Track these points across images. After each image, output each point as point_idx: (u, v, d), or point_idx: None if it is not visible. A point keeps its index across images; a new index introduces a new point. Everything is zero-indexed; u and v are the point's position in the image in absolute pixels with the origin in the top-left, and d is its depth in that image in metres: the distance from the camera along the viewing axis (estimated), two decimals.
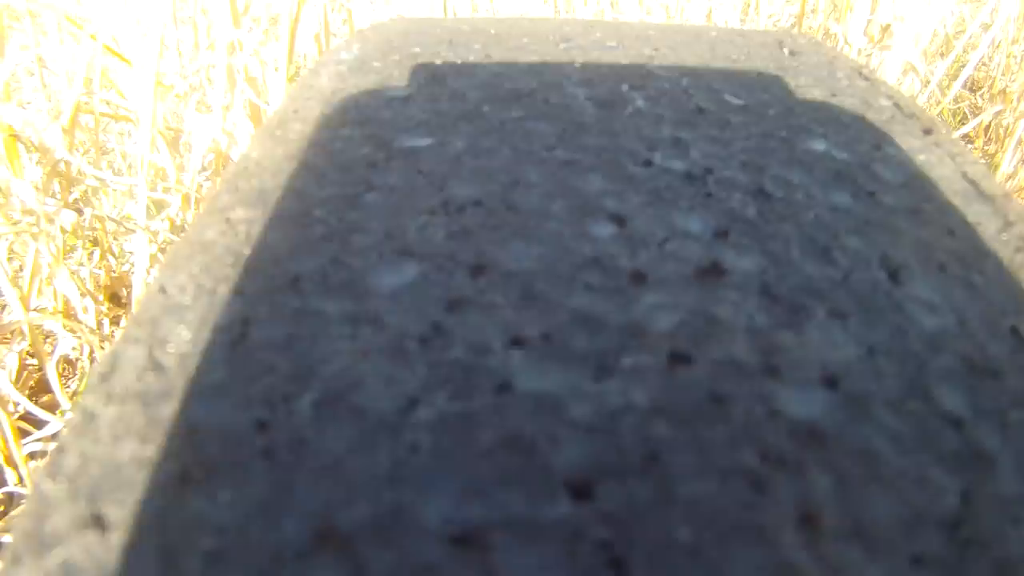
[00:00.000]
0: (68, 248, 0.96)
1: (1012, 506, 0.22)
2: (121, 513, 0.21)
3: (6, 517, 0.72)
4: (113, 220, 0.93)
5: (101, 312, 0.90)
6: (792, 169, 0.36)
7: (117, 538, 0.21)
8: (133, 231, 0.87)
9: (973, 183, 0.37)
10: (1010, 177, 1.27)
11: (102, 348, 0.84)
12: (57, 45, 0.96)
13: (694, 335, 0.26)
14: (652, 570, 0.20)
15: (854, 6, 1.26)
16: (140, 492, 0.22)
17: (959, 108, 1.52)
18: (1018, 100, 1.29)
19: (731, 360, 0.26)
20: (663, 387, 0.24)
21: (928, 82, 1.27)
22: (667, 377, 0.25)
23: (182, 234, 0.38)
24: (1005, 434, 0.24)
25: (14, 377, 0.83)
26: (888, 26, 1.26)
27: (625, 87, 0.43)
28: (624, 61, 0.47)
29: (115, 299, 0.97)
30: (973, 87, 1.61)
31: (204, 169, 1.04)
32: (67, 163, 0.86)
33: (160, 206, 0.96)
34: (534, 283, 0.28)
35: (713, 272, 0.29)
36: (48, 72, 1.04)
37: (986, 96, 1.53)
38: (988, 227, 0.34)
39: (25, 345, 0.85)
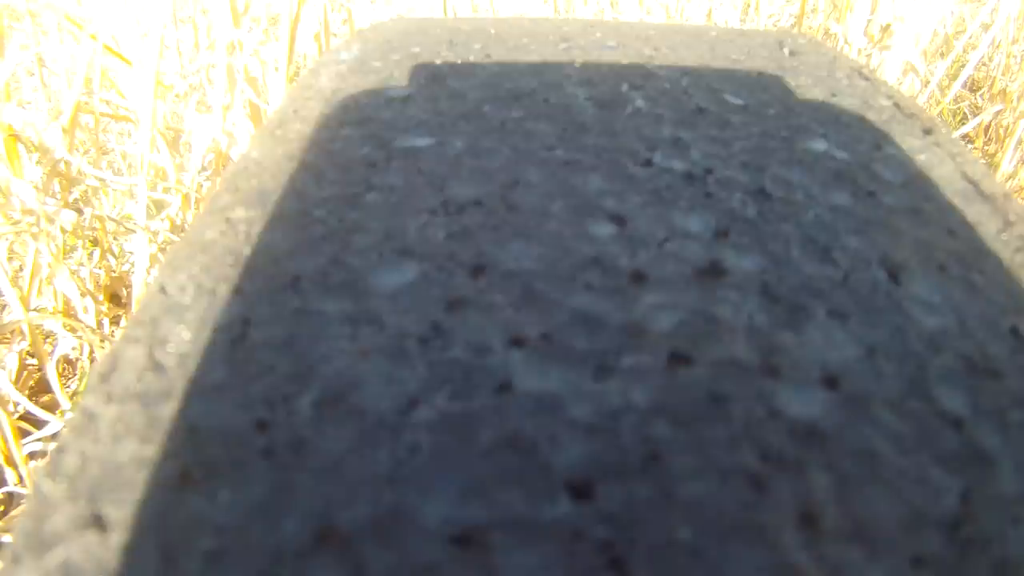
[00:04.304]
0: (68, 248, 0.96)
1: (1012, 506, 0.22)
2: (121, 513, 0.21)
3: (6, 517, 0.72)
4: (113, 220, 0.93)
5: (101, 312, 0.90)
6: (792, 169, 0.36)
7: (117, 538, 0.21)
8: (133, 231, 0.87)
9: (973, 183, 0.37)
10: (1010, 177, 1.27)
11: (102, 348, 0.84)
12: (57, 45, 0.96)
13: (694, 335, 0.26)
14: (652, 570, 0.20)
15: (854, 6, 1.26)
16: (140, 492, 0.22)
17: (959, 108, 1.52)
18: (1018, 100, 1.29)
19: (731, 360, 0.26)
20: (663, 387, 0.24)
21: (928, 82, 1.27)
22: (667, 377, 0.25)
23: (182, 234, 0.38)
24: (1005, 434, 0.24)
25: (14, 377, 0.83)
26: (888, 26, 1.26)
27: (625, 87, 0.43)
28: (624, 61, 0.47)
29: (115, 299, 0.97)
30: (973, 87, 1.61)
31: (204, 169, 1.04)
32: (67, 163, 0.86)
33: (160, 206, 0.96)
34: (534, 283, 0.28)
35: (713, 272, 0.29)
36: (48, 72, 1.04)
37: (986, 96, 1.52)
38: (988, 227, 0.34)
39: (25, 345, 0.85)
